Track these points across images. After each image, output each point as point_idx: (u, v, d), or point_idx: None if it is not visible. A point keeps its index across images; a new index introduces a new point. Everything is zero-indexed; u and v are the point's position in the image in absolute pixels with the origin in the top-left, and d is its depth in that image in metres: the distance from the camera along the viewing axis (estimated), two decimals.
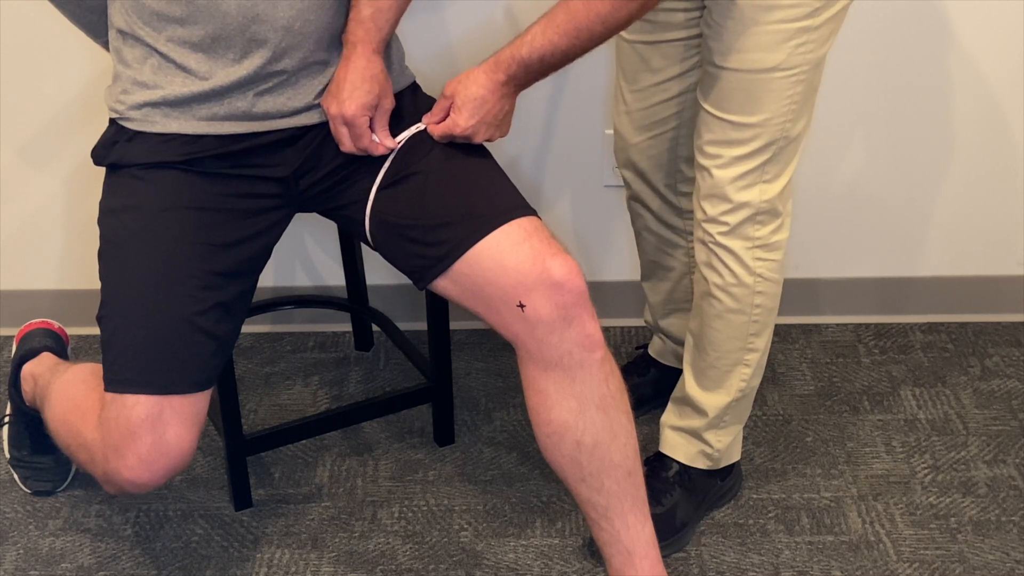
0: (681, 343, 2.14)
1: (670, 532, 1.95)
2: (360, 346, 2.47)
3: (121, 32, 1.73)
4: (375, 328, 2.47)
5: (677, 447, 2.00)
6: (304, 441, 2.20)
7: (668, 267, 2.12)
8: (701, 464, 1.99)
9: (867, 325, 2.51)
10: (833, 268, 2.47)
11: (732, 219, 1.80)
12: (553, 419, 1.69)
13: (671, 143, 1.98)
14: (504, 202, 1.72)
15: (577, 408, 1.68)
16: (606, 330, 1.72)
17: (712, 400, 1.94)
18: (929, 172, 2.40)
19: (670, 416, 2.01)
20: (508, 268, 1.64)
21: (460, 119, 1.71)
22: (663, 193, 2.04)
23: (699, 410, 1.95)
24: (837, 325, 2.51)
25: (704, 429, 1.96)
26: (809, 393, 2.33)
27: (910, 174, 2.40)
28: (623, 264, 2.47)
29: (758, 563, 1.96)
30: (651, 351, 2.27)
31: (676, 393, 2.00)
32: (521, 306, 1.64)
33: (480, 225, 1.68)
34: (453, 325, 2.14)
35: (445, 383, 2.17)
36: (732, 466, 2.04)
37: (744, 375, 1.92)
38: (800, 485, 2.10)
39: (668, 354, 2.23)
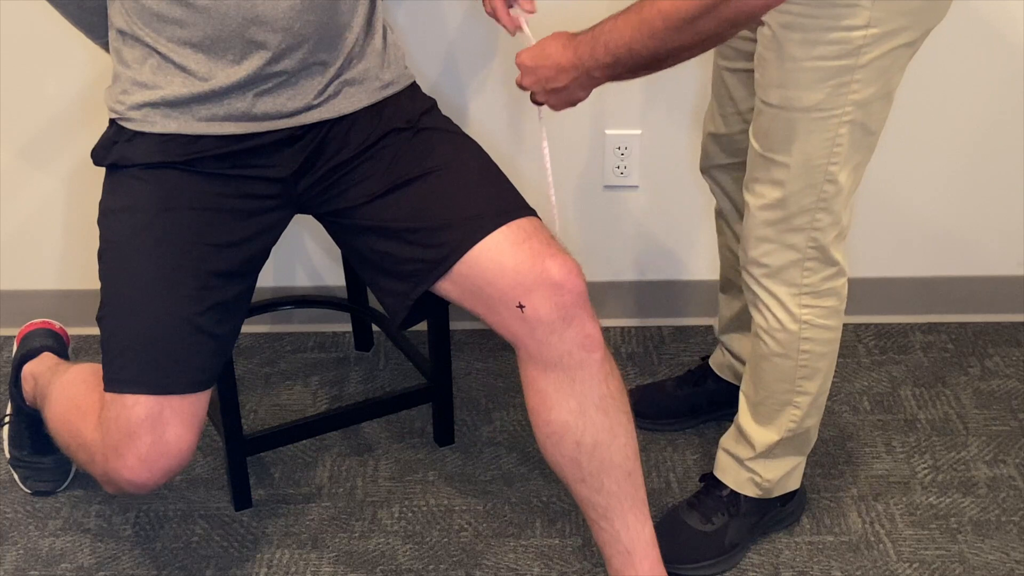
0: (739, 360, 2.11)
1: (717, 552, 1.92)
2: (360, 346, 2.47)
3: (121, 32, 1.73)
4: (375, 328, 2.47)
5: (727, 471, 1.95)
6: (304, 441, 2.20)
7: (741, 288, 2.05)
8: (750, 492, 1.93)
9: (867, 325, 2.51)
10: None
11: (772, 261, 1.72)
12: (553, 419, 1.69)
13: None
14: (503, 203, 1.72)
15: (577, 408, 1.68)
16: (606, 330, 1.72)
17: (761, 435, 1.88)
18: (929, 172, 2.40)
19: (727, 439, 1.96)
20: (507, 269, 1.64)
21: (524, 54, 1.67)
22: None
23: (748, 441, 1.90)
24: None
25: (752, 459, 1.91)
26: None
27: (910, 174, 2.40)
28: (623, 264, 2.47)
29: (758, 563, 1.96)
30: (711, 362, 2.22)
31: (736, 418, 1.94)
32: (521, 307, 1.64)
33: (480, 226, 1.68)
34: (453, 325, 2.14)
35: (445, 383, 2.17)
36: (793, 493, 1.98)
37: (794, 416, 1.85)
38: None
39: (726, 368, 2.18)
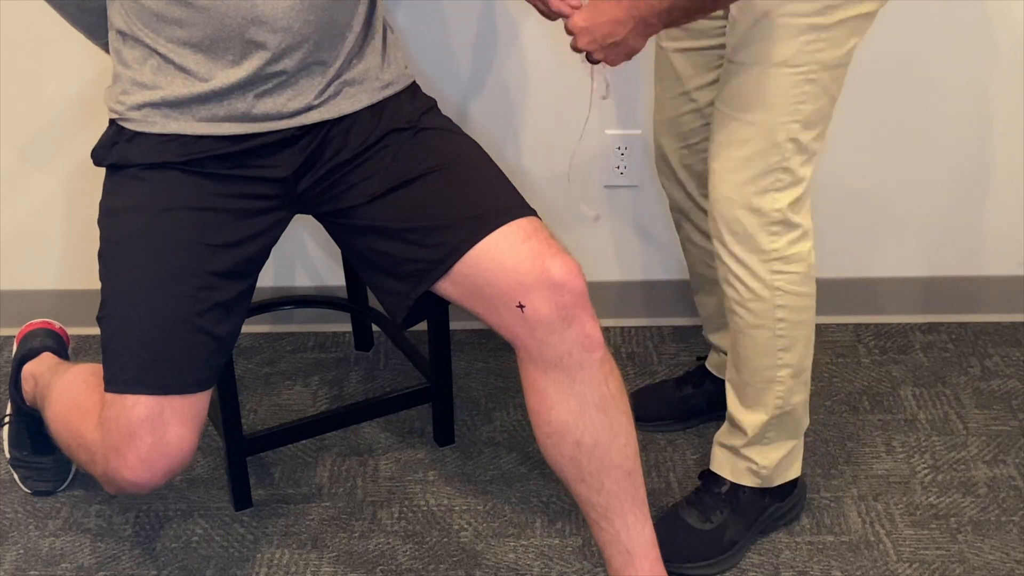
0: None
1: (718, 551, 1.92)
2: (360, 346, 2.47)
3: (121, 33, 1.73)
4: (375, 328, 2.47)
5: (724, 464, 1.95)
6: (304, 441, 2.20)
7: (713, 280, 2.05)
8: (748, 481, 1.94)
9: (867, 325, 2.51)
10: (833, 268, 2.47)
11: (740, 228, 1.76)
12: (553, 419, 1.69)
13: (705, 154, 1.93)
14: (503, 202, 1.72)
15: (577, 408, 1.68)
16: (606, 330, 1.72)
17: (750, 418, 1.89)
18: (929, 172, 2.40)
19: (721, 433, 1.97)
20: (507, 269, 1.64)
21: (577, 16, 1.68)
22: (700, 204, 2.01)
23: (739, 428, 1.91)
24: (837, 325, 2.51)
25: (745, 446, 1.91)
26: (810, 393, 2.32)
27: (910, 174, 2.40)
28: (623, 264, 2.47)
29: (758, 563, 1.96)
30: (708, 364, 2.23)
31: (727, 411, 1.95)
32: (521, 307, 1.64)
33: (480, 226, 1.68)
34: (453, 325, 2.14)
35: (445, 383, 2.17)
36: (792, 488, 1.99)
37: (779, 392, 1.87)
38: None
39: (722, 367, 2.17)
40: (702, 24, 1.83)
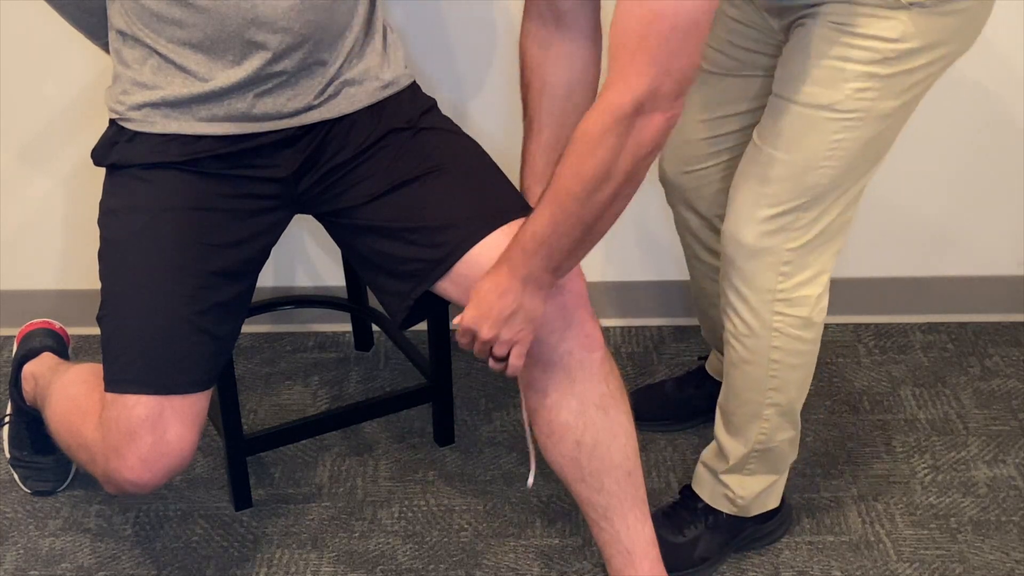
0: None
1: (687, 564, 1.90)
2: (360, 346, 2.47)
3: (121, 33, 1.73)
4: (375, 328, 2.47)
5: (704, 485, 1.93)
6: (304, 441, 2.20)
7: (717, 293, 2.02)
8: (724, 508, 1.91)
9: (867, 325, 2.51)
10: (833, 268, 2.47)
11: (749, 265, 1.70)
12: (553, 419, 1.69)
13: (722, 172, 1.89)
14: (503, 202, 1.72)
15: (577, 408, 1.68)
16: (606, 330, 1.72)
17: (733, 447, 1.86)
18: (928, 172, 2.40)
19: (707, 452, 1.94)
20: None
21: (465, 315, 1.59)
22: (712, 222, 1.95)
23: (723, 453, 1.88)
24: (837, 325, 2.51)
25: (725, 473, 1.89)
26: (809, 393, 2.31)
27: (910, 174, 2.40)
28: (623, 264, 2.47)
29: (758, 563, 1.96)
30: (707, 367, 2.21)
31: (714, 431, 1.92)
32: None
33: (480, 226, 1.68)
34: (453, 325, 2.14)
35: (445, 383, 2.17)
36: (775, 512, 1.96)
37: (763, 429, 1.82)
38: (800, 485, 2.10)
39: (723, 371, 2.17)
40: (747, 56, 1.76)
